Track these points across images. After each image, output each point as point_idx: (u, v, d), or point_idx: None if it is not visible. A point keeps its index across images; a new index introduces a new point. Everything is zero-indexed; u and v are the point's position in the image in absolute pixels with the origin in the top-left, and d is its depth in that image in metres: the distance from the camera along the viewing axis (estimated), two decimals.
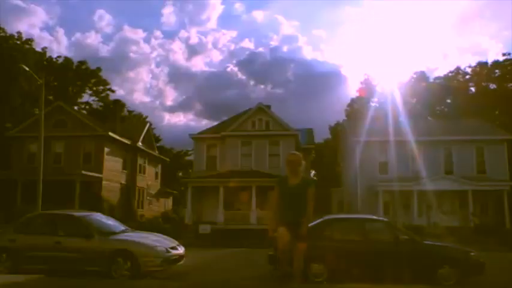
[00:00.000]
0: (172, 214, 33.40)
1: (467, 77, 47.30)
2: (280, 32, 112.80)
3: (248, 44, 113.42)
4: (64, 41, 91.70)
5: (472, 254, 8.87)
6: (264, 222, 22.49)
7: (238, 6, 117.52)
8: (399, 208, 24.33)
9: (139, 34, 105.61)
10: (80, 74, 47.29)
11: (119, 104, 34.49)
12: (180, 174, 55.62)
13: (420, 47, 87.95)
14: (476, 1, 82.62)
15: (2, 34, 38.89)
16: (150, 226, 20.59)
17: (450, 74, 48.27)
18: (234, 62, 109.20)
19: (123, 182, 30.13)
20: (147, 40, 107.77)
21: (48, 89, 37.71)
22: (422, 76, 49.04)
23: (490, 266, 9.04)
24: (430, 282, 8.29)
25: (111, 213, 20.81)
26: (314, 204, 5.39)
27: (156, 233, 10.82)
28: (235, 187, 23.89)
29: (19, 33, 41.09)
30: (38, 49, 44.15)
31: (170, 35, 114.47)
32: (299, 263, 5.35)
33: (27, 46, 40.47)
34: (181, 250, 9.69)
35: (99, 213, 11.56)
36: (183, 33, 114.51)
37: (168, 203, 41.89)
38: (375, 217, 11.73)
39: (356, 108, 48.13)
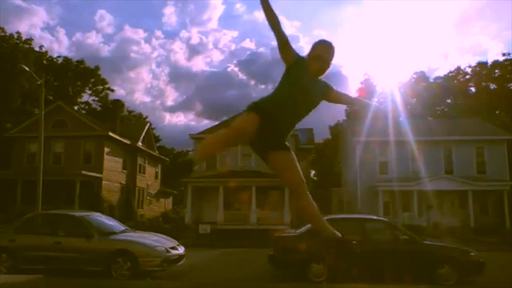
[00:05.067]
0: (172, 214, 33.41)
1: (467, 77, 47.29)
2: None
3: (249, 44, 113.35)
4: (65, 41, 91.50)
5: (472, 254, 8.88)
6: (263, 222, 22.54)
7: (239, 7, 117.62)
8: (399, 208, 24.32)
9: (140, 34, 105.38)
10: (79, 73, 47.32)
11: (118, 103, 34.42)
12: None
13: (421, 48, 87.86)
14: (476, 1, 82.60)
15: (1, 34, 38.90)
16: (150, 226, 20.63)
17: (450, 74, 48.29)
18: (235, 62, 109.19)
19: (123, 182, 30.12)
20: (148, 40, 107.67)
21: (48, 89, 37.72)
22: (422, 76, 49.03)
23: (490, 266, 9.04)
24: (430, 282, 8.31)
25: (111, 213, 20.86)
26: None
27: (156, 233, 10.85)
28: (235, 187, 23.89)
29: (18, 33, 41.14)
30: (37, 49, 44.21)
31: (171, 35, 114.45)
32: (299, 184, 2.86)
33: (27, 46, 40.48)
34: (181, 250, 9.70)
35: (99, 213, 11.61)
36: (184, 34, 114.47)
37: (168, 203, 41.89)
38: (374, 217, 11.76)
39: (356, 108, 48.07)
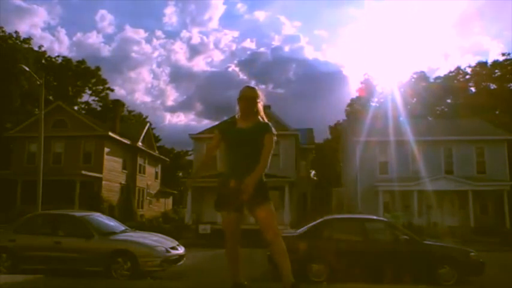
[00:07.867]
0: (172, 214, 33.40)
1: (467, 77, 47.31)
2: (282, 32, 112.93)
3: (249, 44, 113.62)
4: (65, 41, 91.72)
5: (472, 254, 8.88)
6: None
7: (240, 7, 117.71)
8: (399, 208, 24.31)
9: (141, 34, 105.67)
10: (80, 73, 47.31)
11: (118, 103, 34.31)
12: (180, 174, 55.63)
13: (421, 48, 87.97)
14: (476, 1, 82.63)
15: (1, 34, 38.88)
16: (150, 226, 20.60)
17: (450, 74, 48.30)
18: (236, 62, 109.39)
19: (123, 182, 30.11)
20: (148, 40, 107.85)
21: (48, 88, 37.72)
22: (422, 76, 49.05)
23: (490, 266, 9.04)
24: (430, 282, 8.30)
25: (111, 213, 20.86)
26: (270, 156, 3.84)
27: (156, 233, 10.84)
28: None
29: (17, 32, 41.15)
30: (36, 48, 44.21)
31: (172, 35, 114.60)
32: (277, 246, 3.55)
33: (25, 45, 40.46)
34: (181, 250, 9.70)
35: (99, 213, 11.60)
36: (184, 33, 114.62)
37: (168, 203, 41.88)
38: (374, 217, 11.76)
39: (356, 108, 48.13)
